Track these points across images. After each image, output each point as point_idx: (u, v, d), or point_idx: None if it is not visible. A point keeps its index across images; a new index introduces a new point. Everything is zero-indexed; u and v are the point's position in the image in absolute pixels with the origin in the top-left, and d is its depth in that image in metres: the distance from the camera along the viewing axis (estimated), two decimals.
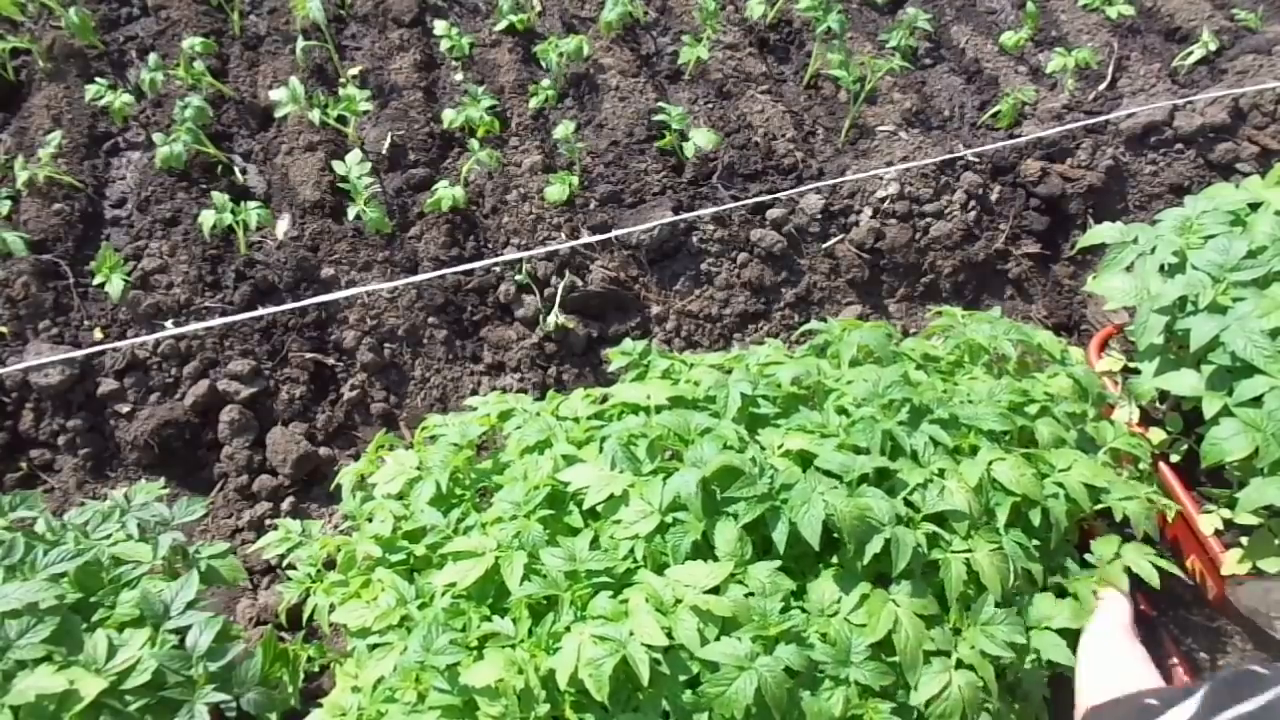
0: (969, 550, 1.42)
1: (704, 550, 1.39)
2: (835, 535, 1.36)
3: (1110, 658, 1.34)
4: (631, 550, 1.39)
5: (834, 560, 1.42)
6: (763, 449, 1.48)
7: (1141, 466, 1.83)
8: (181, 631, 1.53)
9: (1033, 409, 1.68)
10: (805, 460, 1.47)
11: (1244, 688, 0.88)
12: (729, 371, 1.71)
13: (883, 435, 1.49)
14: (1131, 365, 2.16)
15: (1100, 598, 1.47)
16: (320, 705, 1.53)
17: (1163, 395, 2.09)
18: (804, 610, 1.35)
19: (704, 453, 1.43)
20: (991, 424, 1.56)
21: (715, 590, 1.30)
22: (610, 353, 1.86)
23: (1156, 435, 2.02)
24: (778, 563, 1.36)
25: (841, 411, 1.58)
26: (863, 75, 3.28)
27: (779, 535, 1.34)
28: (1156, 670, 1.31)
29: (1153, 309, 1.94)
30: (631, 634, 1.23)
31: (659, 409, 1.58)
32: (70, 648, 1.43)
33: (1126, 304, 2.10)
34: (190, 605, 1.57)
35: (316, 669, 1.94)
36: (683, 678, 1.27)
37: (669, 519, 1.40)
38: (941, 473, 1.49)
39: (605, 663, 1.21)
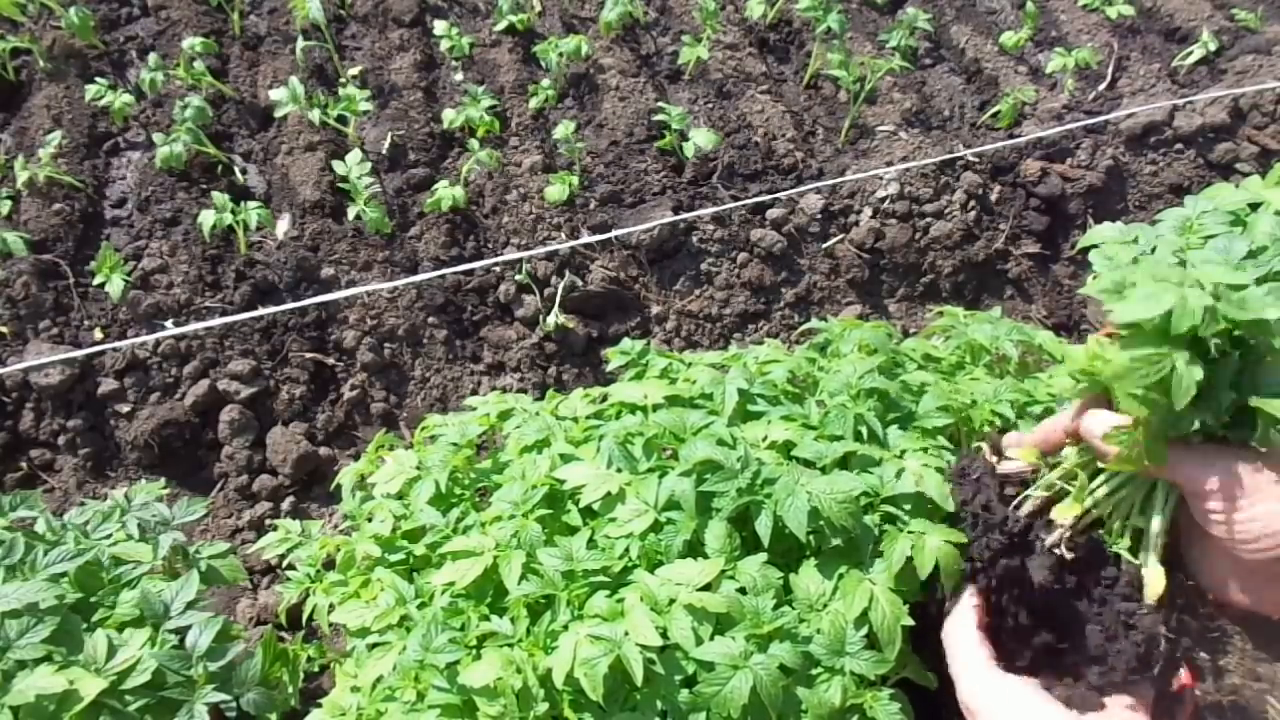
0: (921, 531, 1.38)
1: (696, 548, 1.39)
2: (810, 530, 1.35)
3: None
4: (627, 549, 1.39)
5: (819, 549, 1.41)
6: (750, 444, 1.48)
7: None
8: (181, 631, 1.53)
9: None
10: (789, 452, 1.47)
11: None
12: (726, 370, 1.71)
13: (854, 420, 1.49)
14: None
15: None
16: (320, 705, 1.53)
17: None
18: (791, 605, 1.34)
19: (697, 450, 1.43)
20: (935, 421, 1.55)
21: (708, 588, 1.30)
22: (609, 352, 1.86)
23: None
24: (765, 556, 1.36)
25: (820, 403, 1.59)
26: (863, 75, 3.28)
27: (762, 528, 1.34)
28: None
29: None
30: (626, 634, 1.23)
31: (656, 408, 1.58)
32: (70, 648, 1.43)
33: None
34: (190, 605, 1.57)
35: (316, 669, 1.94)
36: (678, 677, 1.27)
37: (663, 517, 1.40)
38: (902, 454, 1.48)
39: (600, 662, 1.22)
